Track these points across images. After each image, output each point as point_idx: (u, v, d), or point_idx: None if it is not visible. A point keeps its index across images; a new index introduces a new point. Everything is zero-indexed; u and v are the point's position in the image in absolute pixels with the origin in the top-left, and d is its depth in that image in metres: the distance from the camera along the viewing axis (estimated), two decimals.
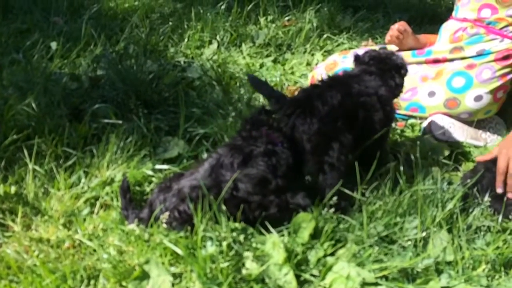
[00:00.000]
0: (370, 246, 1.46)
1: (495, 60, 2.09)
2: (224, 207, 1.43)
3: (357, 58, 1.89)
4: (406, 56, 2.26)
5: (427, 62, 2.21)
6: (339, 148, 1.61)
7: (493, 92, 2.10)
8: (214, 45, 2.87)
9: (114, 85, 2.19)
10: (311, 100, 1.63)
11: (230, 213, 1.44)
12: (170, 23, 2.97)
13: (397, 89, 1.84)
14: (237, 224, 1.45)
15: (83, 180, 1.68)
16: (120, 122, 1.91)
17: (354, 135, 1.65)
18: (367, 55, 1.86)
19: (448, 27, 2.32)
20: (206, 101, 2.14)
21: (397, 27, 2.39)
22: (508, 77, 2.11)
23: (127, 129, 1.93)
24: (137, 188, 1.67)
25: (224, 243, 1.36)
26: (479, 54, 2.11)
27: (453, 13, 2.36)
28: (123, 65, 2.36)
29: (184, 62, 2.61)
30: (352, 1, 3.60)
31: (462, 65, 2.12)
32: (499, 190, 1.64)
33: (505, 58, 2.10)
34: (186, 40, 2.88)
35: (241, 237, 1.40)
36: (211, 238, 1.37)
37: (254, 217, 1.49)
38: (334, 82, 1.75)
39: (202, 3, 3.39)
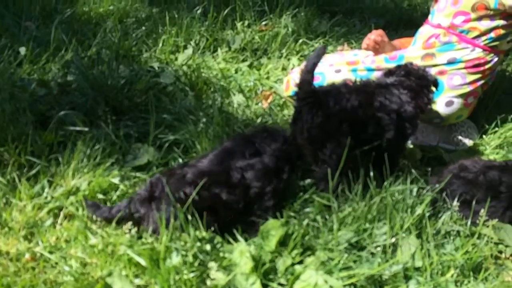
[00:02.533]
0: (340, 253, 1.44)
1: (465, 68, 2.11)
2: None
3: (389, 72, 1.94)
4: (379, 61, 2.26)
5: None
6: (334, 148, 1.67)
7: (464, 97, 2.11)
8: (189, 50, 2.84)
9: (83, 91, 2.14)
10: (327, 95, 1.69)
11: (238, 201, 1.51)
12: (143, 28, 2.92)
13: (428, 105, 1.90)
14: (204, 233, 1.43)
15: (46, 189, 1.64)
16: (87, 129, 1.85)
17: (358, 141, 1.70)
18: (402, 69, 1.91)
19: (422, 33, 2.32)
20: (177, 107, 2.10)
21: (374, 38, 2.37)
22: (478, 83, 2.13)
23: (95, 136, 1.89)
24: (102, 196, 1.63)
25: (190, 253, 1.33)
26: (450, 62, 2.12)
27: (429, 17, 2.36)
28: (93, 70, 2.31)
29: (158, 67, 2.57)
30: (329, 6, 3.61)
31: (433, 72, 2.13)
32: None
33: (476, 66, 2.11)
34: (160, 45, 2.84)
35: (208, 247, 1.37)
36: (176, 249, 1.34)
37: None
38: (363, 87, 1.81)
39: (178, 7, 3.37)
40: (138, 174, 1.78)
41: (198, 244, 1.36)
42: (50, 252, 1.42)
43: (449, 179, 1.65)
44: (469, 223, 1.59)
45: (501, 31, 2.10)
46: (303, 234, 1.47)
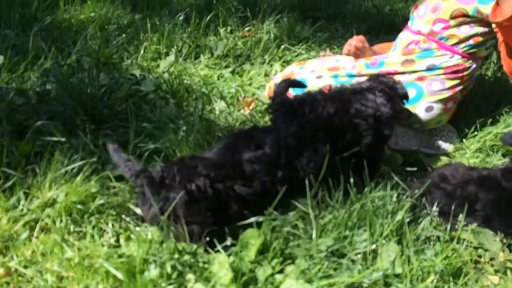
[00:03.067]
0: (320, 260, 1.44)
1: (444, 74, 2.13)
2: None
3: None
4: (360, 67, 2.27)
5: None
6: (311, 156, 1.66)
7: (443, 102, 2.13)
8: (171, 57, 2.82)
9: (62, 100, 2.11)
10: (302, 103, 1.70)
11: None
12: (124, 35, 2.89)
13: (399, 113, 1.91)
14: (183, 244, 1.41)
15: (22, 201, 1.60)
16: (64, 139, 1.83)
17: (336, 147, 1.71)
18: (374, 79, 1.94)
19: (402, 39, 2.34)
20: (158, 115, 2.08)
21: (355, 43, 2.39)
22: (457, 88, 2.15)
23: (73, 146, 1.86)
24: (80, 206, 1.60)
25: (168, 265, 1.32)
26: (429, 68, 2.14)
27: (409, 23, 2.39)
28: (73, 79, 2.28)
29: (139, 75, 2.55)
30: (312, 12, 3.62)
31: (413, 77, 2.15)
32: None
33: (455, 72, 2.13)
34: (142, 52, 2.82)
35: (187, 258, 1.35)
36: (154, 261, 1.32)
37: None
38: (339, 95, 1.82)
39: (161, 14, 3.35)
40: (117, 184, 1.75)
41: (177, 255, 1.34)
42: (25, 267, 1.39)
43: (429, 187, 1.66)
44: (448, 228, 1.59)
45: (480, 39, 2.12)
46: (283, 242, 1.47)
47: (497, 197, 1.63)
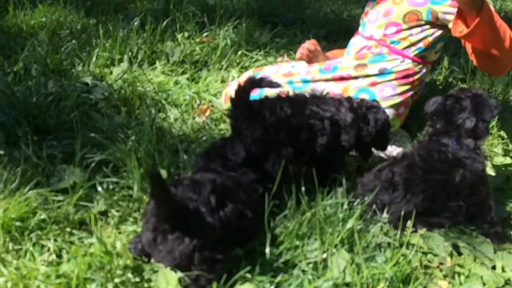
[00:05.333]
0: (272, 273, 1.41)
1: (395, 79, 2.16)
2: None
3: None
4: (314, 72, 2.27)
5: (333, 79, 2.23)
6: (275, 158, 1.70)
7: (395, 108, 2.16)
8: (125, 64, 2.74)
9: (4, 110, 2.00)
10: (262, 108, 1.72)
11: None
12: (74, 41, 2.79)
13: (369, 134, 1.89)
14: (128, 261, 1.36)
15: None
16: (2, 152, 1.73)
17: (296, 150, 1.75)
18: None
19: (355, 44, 2.37)
20: (107, 125, 2.00)
21: (307, 46, 2.41)
22: (409, 94, 2.19)
23: (16, 158, 1.76)
24: (19, 223, 1.51)
25: (110, 285, 1.26)
26: (381, 73, 2.16)
27: (360, 29, 2.42)
28: (18, 86, 2.17)
29: (91, 82, 2.46)
30: (270, 17, 3.63)
31: (365, 83, 2.17)
32: None
33: (405, 77, 2.17)
34: (94, 58, 2.73)
35: (130, 276, 1.30)
36: (94, 280, 1.26)
37: None
38: (296, 98, 1.84)
39: (116, 19, 3.27)
40: (61, 197, 1.67)
41: (120, 272, 1.29)
42: None
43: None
44: (398, 234, 1.60)
45: (430, 41, 2.17)
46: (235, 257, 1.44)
47: (412, 171, 1.68)
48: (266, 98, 1.84)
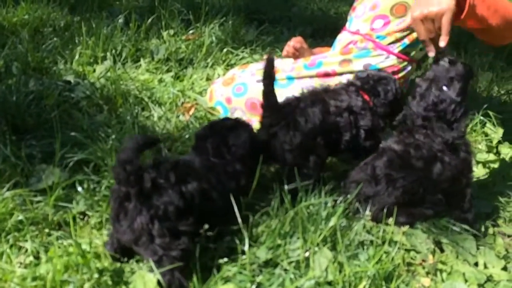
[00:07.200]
0: (252, 272, 1.40)
1: None
2: None
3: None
4: (299, 69, 2.26)
5: (318, 75, 2.22)
6: (316, 161, 1.77)
7: None
8: (109, 61, 2.71)
9: None
10: (295, 114, 1.77)
11: None
12: (55, 38, 2.75)
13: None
14: (106, 264, 1.33)
15: None
16: None
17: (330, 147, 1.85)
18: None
19: (341, 40, 2.36)
20: (88, 123, 1.97)
21: (293, 44, 2.40)
22: None
23: None
24: None
25: (87, 286, 1.23)
26: (366, 69, 2.15)
27: (347, 25, 2.41)
28: None
29: (74, 80, 2.42)
30: (257, 15, 3.61)
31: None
32: (431, 53, 1.74)
33: (392, 74, 2.16)
34: (77, 56, 2.69)
35: (106, 278, 1.27)
36: (72, 283, 1.23)
37: None
38: (317, 97, 1.86)
39: (100, 16, 3.22)
40: (40, 198, 1.64)
41: (97, 275, 1.26)
42: None
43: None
44: (380, 232, 1.60)
45: (414, 36, 2.16)
46: (217, 257, 1.42)
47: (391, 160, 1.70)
48: (292, 100, 1.85)
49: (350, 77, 2.03)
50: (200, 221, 1.32)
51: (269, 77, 1.69)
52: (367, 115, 1.88)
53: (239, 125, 1.66)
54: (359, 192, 1.65)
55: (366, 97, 1.91)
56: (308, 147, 1.76)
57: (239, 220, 1.43)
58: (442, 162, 1.65)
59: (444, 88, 1.65)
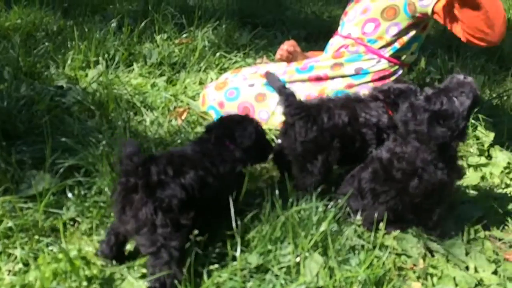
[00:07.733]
0: (243, 278, 1.40)
1: (372, 81, 2.17)
2: None
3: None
4: (291, 72, 2.27)
5: (310, 79, 2.23)
6: (324, 160, 1.75)
7: None
8: (101, 66, 2.70)
9: None
10: (320, 110, 1.76)
11: None
12: (47, 43, 2.74)
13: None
14: (95, 271, 1.33)
15: None
16: None
17: (344, 154, 1.80)
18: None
19: (333, 44, 2.37)
20: (79, 129, 1.96)
21: (286, 47, 2.40)
22: None
23: None
24: None
25: None
26: (357, 73, 2.17)
27: (339, 29, 2.42)
28: None
29: (66, 85, 2.41)
30: (250, 18, 3.61)
31: (342, 85, 2.17)
32: None
33: (382, 78, 2.18)
34: (69, 60, 2.68)
35: (96, 286, 1.27)
36: None
37: None
38: (347, 103, 1.85)
39: (93, 20, 3.22)
40: (30, 204, 1.63)
41: (85, 283, 1.26)
42: None
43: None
44: (371, 237, 1.60)
45: (405, 40, 2.17)
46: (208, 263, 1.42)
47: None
48: (325, 99, 1.87)
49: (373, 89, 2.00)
50: (198, 214, 1.37)
51: (277, 81, 1.80)
52: (391, 133, 1.85)
53: (246, 119, 1.74)
54: (347, 205, 1.65)
55: (390, 112, 1.88)
56: (321, 144, 1.75)
57: (234, 224, 1.43)
58: (420, 178, 1.60)
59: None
